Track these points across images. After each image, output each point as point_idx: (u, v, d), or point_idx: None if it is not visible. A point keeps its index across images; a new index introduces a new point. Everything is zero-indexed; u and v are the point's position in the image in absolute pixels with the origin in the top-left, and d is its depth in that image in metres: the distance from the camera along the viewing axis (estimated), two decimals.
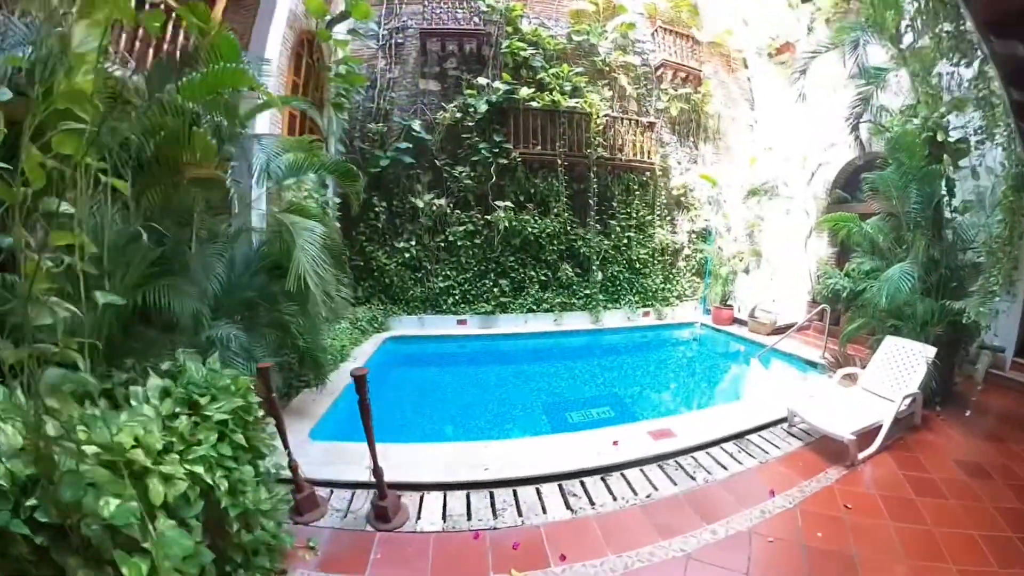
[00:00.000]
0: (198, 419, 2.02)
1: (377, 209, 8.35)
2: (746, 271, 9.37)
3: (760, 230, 9.44)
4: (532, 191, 8.80)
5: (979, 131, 4.87)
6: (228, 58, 3.83)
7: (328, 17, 7.16)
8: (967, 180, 5.13)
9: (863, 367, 4.80)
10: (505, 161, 8.54)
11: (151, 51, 4.84)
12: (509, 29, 9.02)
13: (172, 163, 3.70)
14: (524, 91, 8.52)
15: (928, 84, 5.23)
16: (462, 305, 8.55)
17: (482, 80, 8.64)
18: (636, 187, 9.36)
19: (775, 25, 9.02)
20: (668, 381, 7.67)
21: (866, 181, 5.67)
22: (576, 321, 8.75)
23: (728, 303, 9.06)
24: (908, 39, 5.46)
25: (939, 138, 4.84)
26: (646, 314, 9.29)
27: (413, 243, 8.41)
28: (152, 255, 3.33)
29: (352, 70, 7.69)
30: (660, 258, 9.56)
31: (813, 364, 6.62)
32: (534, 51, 8.97)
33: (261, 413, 2.47)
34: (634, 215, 9.31)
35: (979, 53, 4.51)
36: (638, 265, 9.28)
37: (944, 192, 4.97)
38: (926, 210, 4.98)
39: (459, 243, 8.49)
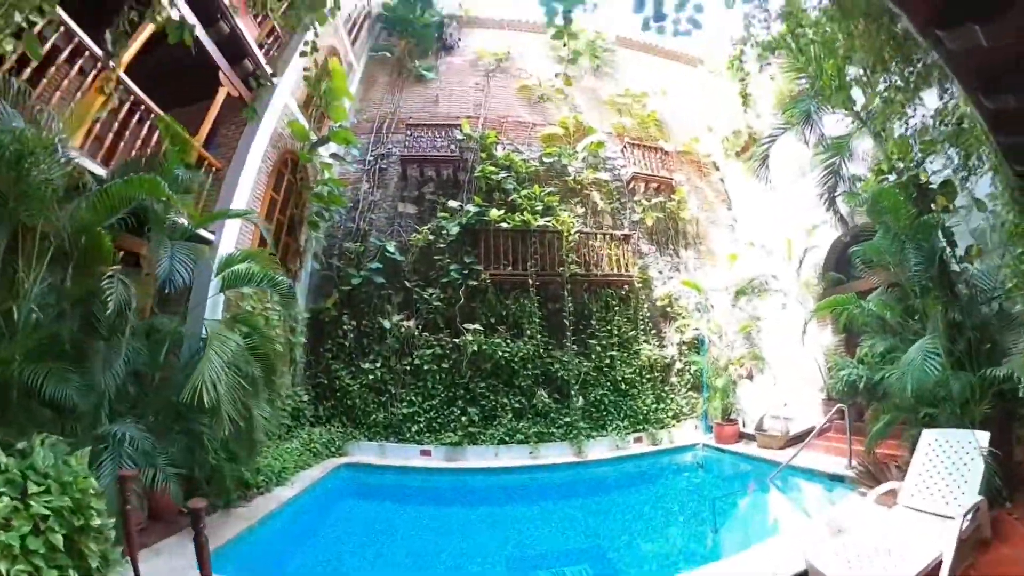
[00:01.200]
0: (20, 505, 2.04)
1: (346, 327, 8.63)
2: (749, 377, 9.14)
3: (757, 330, 9.39)
4: (504, 313, 9.03)
5: (959, 166, 4.71)
6: (171, 168, 4.78)
7: (310, 140, 8.15)
8: (966, 222, 4.85)
9: (902, 474, 4.14)
10: (475, 283, 8.95)
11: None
12: (483, 155, 10.06)
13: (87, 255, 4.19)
14: (494, 212, 9.21)
15: (892, 138, 5.31)
16: (427, 434, 8.27)
17: (454, 203, 9.43)
18: (615, 302, 9.57)
19: (737, 125, 9.80)
20: (664, 524, 6.96)
21: (855, 255, 5.65)
22: (555, 453, 8.28)
23: (731, 417, 8.65)
24: (861, 97, 5.68)
25: (922, 179, 4.89)
26: (638, 440, 8.85)
27: (379, 365, 8.48)
28: (35, 336, 3.66)
29: (333, 191, 8.49)
30: (648, 376, 9.38)
31: (840, 478, 5.94)
32: (507, 174, 9.88)
33: (110, 522, 2.42)
34: (615, 332, 9.38)
35: (935, 85, 4.72)
36: (624, 386, 9.09)
37: (943, 243, 4.76)
38: (929, 269, 4.71)
39: (426, 367, 8.53)
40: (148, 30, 5.20)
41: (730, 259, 9.95)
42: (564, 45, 12.06)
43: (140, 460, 3.93)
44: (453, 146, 10.02)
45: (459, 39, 12.58)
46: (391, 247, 9.16)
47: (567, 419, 8.60)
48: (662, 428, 9.08)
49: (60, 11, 4.19)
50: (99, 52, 4.66)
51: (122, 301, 4.22)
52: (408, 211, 9.92)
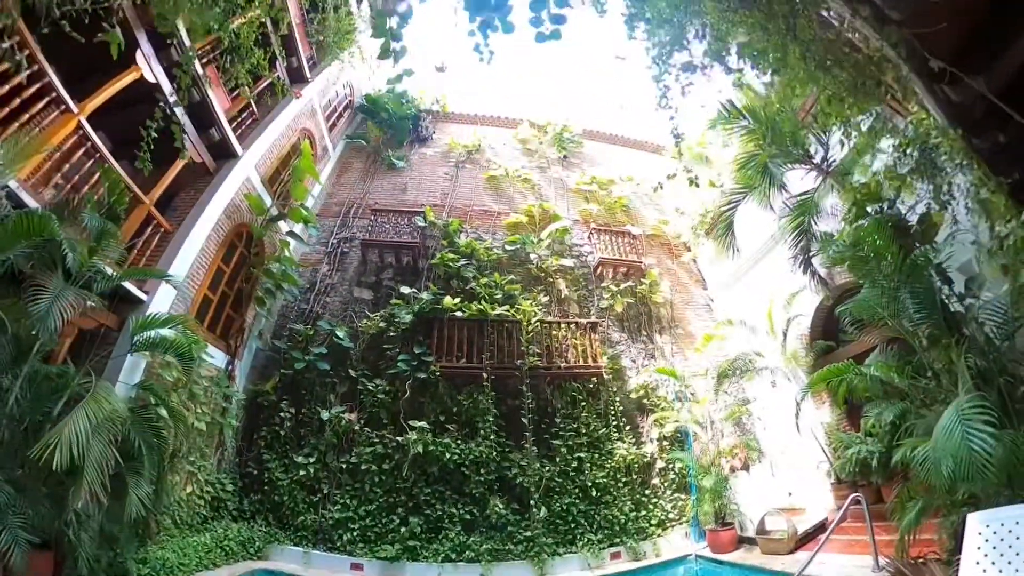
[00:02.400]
0: None
1: (284, 415, 8.27)
2: (744, 468, 8.50)
3: (748, 415, 8.99)
4: (455, 410, 8.74)
5: (932, 198, 4.65)
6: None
7: (267, 215, 8.56)
8: (950, 258, 4.68)
9: (950, 571, 3.63)
10: (425, 375, 8.78)
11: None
12: (445, 242, 10.60)
13: None
14: (449, 300, 9.35)
15: (854, 184, 5.52)
16: (360, 544, 7.46)
17: (406, 289, 9.61)
18: (583, 397, 9.33)
19: (704, 206, 10.51)
20: None
21: (843, 316, 5.45)
22: (514, 574, 7.44)
23: (726, 521, 7.77)
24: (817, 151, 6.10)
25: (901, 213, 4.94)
26: (615, 556, 7.90)
27: (314, 460, 7.94)
28: None
29: (287, 270, 8.73)
30: (625, 479, 8.73)
31: None
32: (467, 262, 10.30)
33: None
34: (584, 431, 8.97)
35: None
36: (596, 492, 8.40)
37: (938, 281, 4.54)
38: (932, 314, 4.35)
39: (364, 467, 8.05)
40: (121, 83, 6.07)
41: (705, 340, 9.92)
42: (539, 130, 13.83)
43: None
44: (415, 232, 10.59)
45: (433, 132, 13.94)
46: (341, 333, 9.12)
47: (527, 533, 7.82)
48: (645, 539, 8.25)
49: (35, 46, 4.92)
50: (64, 94, 5.31)
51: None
52: (364, 296, 10.11)
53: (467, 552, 7.55)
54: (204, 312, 7.71)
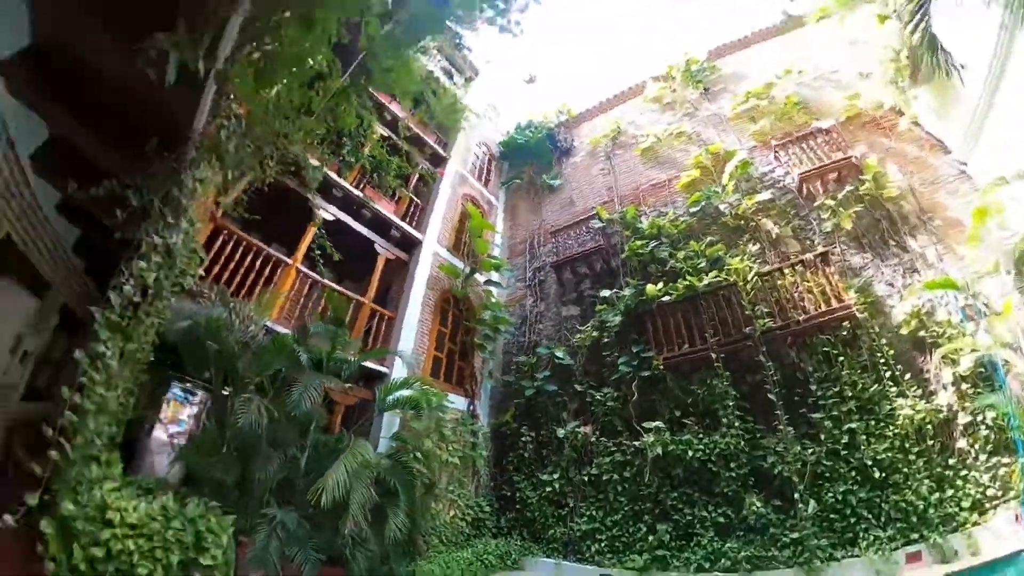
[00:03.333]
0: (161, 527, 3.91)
1: (525, 439, 9.44)
2: None
3: None
4: (689, 402, 8.18)
5: None
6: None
7: (462, 276, 10.45)
8: None
9: None
10: (648, 373, 8.59)
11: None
12: (628, 233, 10.30)
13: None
14: (651, 288, 8.91)
15: None
16: (608, 555, 7.71)
17: (606, 292, 9.72)
18: (837, 351, 7.30)
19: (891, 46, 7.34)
20: None
21: None
22: None
23: None
24: None
25: None
26: (913, 558, 5.76)
27: (557, 476, 8.77)
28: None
29: (496, 314, 10.36)
30: (917, 448, 6.33)
31: None
32: (657, 243, 9.70)
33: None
34: (849, 393, 6.95)
35: None
36: (879, 472, 6.34)
37: None
38: None
39: (605, 477, 8.32)
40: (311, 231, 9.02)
41: (978, 219, 6.38)
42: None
43: (290, 539, 5.70)
44: (596, 236, 10.76)
45: (572, 139, 14.23)
46: (560, 353, 9.86)
47: (794, 534, 6.56)
48: (954, 530, 5.76)
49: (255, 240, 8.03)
50: (283, 257, 8.35)
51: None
52: (571, 313, 10.69)
53: (722, 560, 6.84)
54: (437, 369, 9.85)
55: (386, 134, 10.20)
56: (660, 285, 9.04)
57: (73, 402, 3.46)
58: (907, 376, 6.87)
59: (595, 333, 9.77)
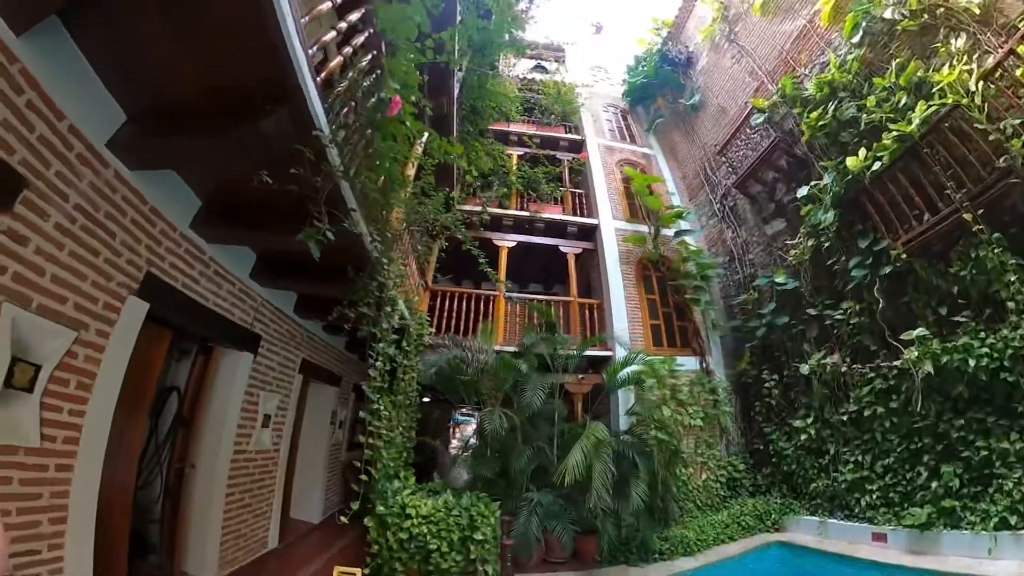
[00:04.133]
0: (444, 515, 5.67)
1: (768, 384, 8.34)
2: None
3: None
4: (956, 292, 5.71)
5: None
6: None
7: (649, 240, 9.95)
8: None
9: None
10: (889, 267, 6.41)
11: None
12: (798, 110, 7.84)
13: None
14: (853, 160, 6.50)
15: None
16: (881, 509, 6.10)
17: (803, 190, 7.69)
18: None
19: None
20: None
21: None
22: None
23: None
24: None
25: None
26: None
27: (811, 420, 7.39)
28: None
29: (698, 261, 9.53)
30: None
31: None
32: (835, 103, 7.10)
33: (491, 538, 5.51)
34: None
35: None
36: None
37: None
38: None
39: (867, 412, 6.56)
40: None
41: None
42: None
43: (548, 515, 6.76)
44: (764, 130, 8.54)
45: (687, 47, 11.68)
46: (780, 277, 8.22)
47: None
48: None
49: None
50: (491, 290, 9.77)
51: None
52: (778, 229, 8.71)
53: None
54: (658, 336, 9.58)
55: (521, 152, 10.73)
56: (863, 153, 6.63)
57: (368, 443, 5.01)
58: None
59: (811, 242, 7.77)
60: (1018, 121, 5.00)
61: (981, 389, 5.35)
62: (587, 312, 9.72)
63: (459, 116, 8.36)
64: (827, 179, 7.24)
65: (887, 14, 6.53)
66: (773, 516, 7.46)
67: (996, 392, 5.21)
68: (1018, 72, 4.97)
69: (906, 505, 5.90)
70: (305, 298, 6.00)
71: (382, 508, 5.31)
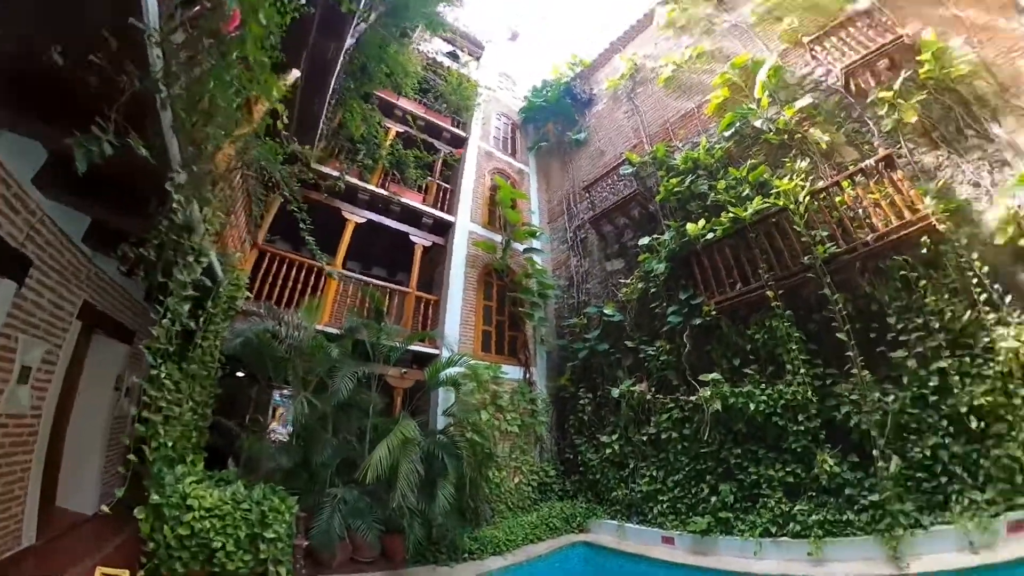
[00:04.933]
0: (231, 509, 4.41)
1: (582, 401, 8.84)
2: None
3: None
4: (748, 348, 6.92)
5: None
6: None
7: (499, 249, 9.82)
8: None
9: None
10: (700, 320, 7.45)
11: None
12: (661, 172, 8.90)
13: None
14: (692, 226, 7.61)
15: None
16: (670, 516, 6.96)
17: (644, 240, 8.59)
18: (918, 271, 5.55)
19: None
20: None
21: None
22: (854, 555, 5.14)
23: None
24: None
25: None
26: (1017, 527, 4.27)
27: (616, 436, 8.09)
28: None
29: (540, 280, 9.68)
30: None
31: None
32: (694, 176, 8.25)
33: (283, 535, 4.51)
34: (935, 325, 5.27)
35: None
36: (976, 421, 4.74)
37: None
38: None
39: (664, 435, 7.43)
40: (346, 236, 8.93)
41: None
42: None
43: (352, 513, 5.91)
44: (628, 182, 9.46)
45: (591, 89, 12.66)
46: (608, 310, 8.97)
47: (872, 496, 5.27)
48: None
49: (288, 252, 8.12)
50: (323, 265, 8.38)
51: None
52: (616, 267, 9.66)
53: (791, 524, 5.80)
54: (488, 342, 9.46)
55: (400, 130, 9.78)
56: (702, 223, 7.67)
57: (142, 416, 4.00)
58: (1008, 298, 5.05)
59: (641, 284, 8.68)
60: (825, 234, 6.42)
61: (757, 428, 6.51)
62: (423, 306, 9.06)
63: (344, 69, 7.01)
64: (667, 236, 8.22)
65: (758, 123, 7.83)
66: (579, 519, 7.88)
67: (768, 431, 6.42)
68: (836, 199, 6.40)
69: (691, 514, 6.78)
70: (100, 226, 4.30)
71: (157, 497, 4.14)
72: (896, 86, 6.26)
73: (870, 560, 5.06)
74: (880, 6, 7.03)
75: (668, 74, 10.30)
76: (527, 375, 9.41)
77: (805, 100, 7.27)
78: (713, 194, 7.96)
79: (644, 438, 7.81)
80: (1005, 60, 5.71)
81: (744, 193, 7.52)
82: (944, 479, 4.96)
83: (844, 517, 5.46)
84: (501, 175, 11.79)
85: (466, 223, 10.17)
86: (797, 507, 5.86)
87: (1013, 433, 4.61)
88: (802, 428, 6.10)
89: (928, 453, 5.10)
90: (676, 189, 8.46)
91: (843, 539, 5.35)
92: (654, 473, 7.51)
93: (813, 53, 7.62)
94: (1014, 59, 5.65)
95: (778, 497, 6.09)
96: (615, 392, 8.26)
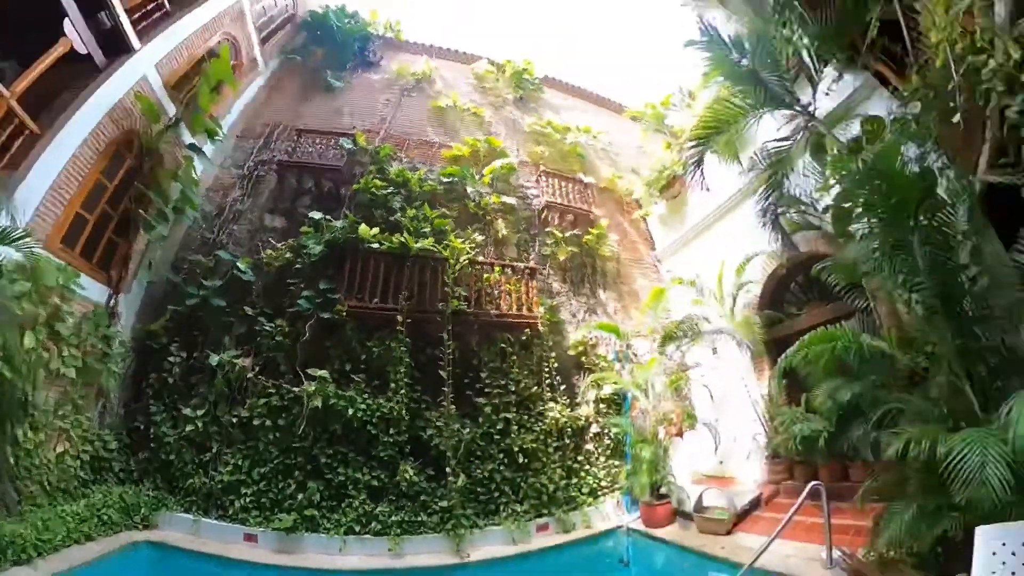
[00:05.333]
0: None
1: (173, 359, 7.79)
2: (679, 435, 8.67)
3: (686, 382, 9.04)
4: (364, 357, 8.25)
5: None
6: None
7: (163, 123, 7.96)
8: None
9: None
10: (329, 315, 8.24)
11: None
12: (374, 168, 10.09)
13: None
14: (365, 229, 8.68)
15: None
16: (254, 512, 7.13)
17: (318, 215, 9.08)
18: (514, 350, 9.08)
19: (662, 161, 10.95)
20: None
21: (822, 273, 5.38)
22: (427, 550, 7.19)
23: (662, 494, 7.76)
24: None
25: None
26: (543, 528, 7.91)
27: (203, 412, 7.49)
28: None
29: (186, 190, 8.23)
30: (556, 443, 8.70)
31: None
32: (395, 191, 9.84)
33: None
34: (513, 388, 8.77)
35: None
36: (523, 458, 8.29)
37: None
38: (941, 280, 4.10)
39: (257, 422, 7.54)
40: None
41: (654, 296, 9.85)
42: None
43: None
44: (341, 156, 10.10)
45: (381, 57, 13.56)
46: (243, 265, 8.57)
47: (443, 503, 7.60)
48: (574, 509, 8.27)
49: None
50: None
51: None
52: (275, 225, 9.60)
53: (373, 523, 7.29)
54: (76, 235, 7.08)
55: None
56: (376, 231, 8.99)
57: None
58: (562, 387, 9.40)
59: (290, 255, 8.87)
60: (464, 293, 9.19)
61: (352, 432, 7.79)
62: (13, 126, 6.07)
63: None
64: (340, 223, 9.09)
65: (469, 189, 10.83)
66: (143, 511, 6.69)
67: (361, 437, 7.84)
68: (485, 275, 9.64)
69: (276, 510, 7.16)
70: None
71: None
72: (566, 234, 10.93)
73: (439, 553, 7.28)
74: (595, 188, 12.07)
75: (444, 104, 12.15)
76: (112, 302, 7.43)
77: (510, 200, 10.92)
78: (401, 215, 9.65)
79: (235, 420, 7.65)
80: (628, 264, 11.49)
81: (424, 230, 9.57)
82: (497, 494, 8.11)
83: (419, 519, 7.52)
84: (233, 47, 9.58)
85: (149, 65, 7.61)
86: (379, 508, 7.45)
87: (544, 469, 8.43)
88: (392, 439, 7.87)
89: (487, 474, 8.15)
90: (374, 190, 9.73)
91: (418, 536, 7.39)
92: (239, 462, 7.44)
93: (539, 179, 11.70)
94: (633, 266, 11.32)
95: (363, 499, 7.51)
96: (215, 359, 7.79)
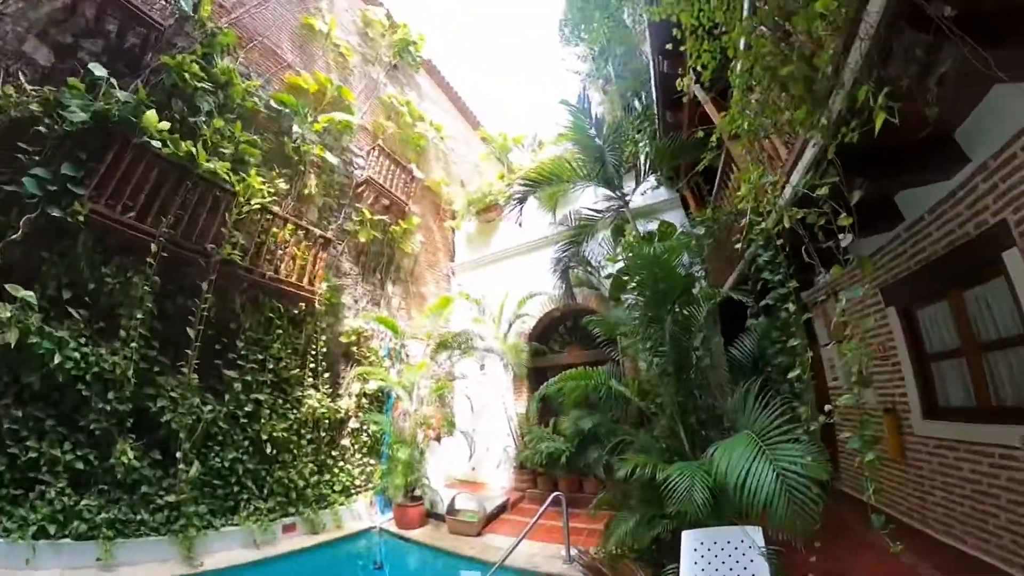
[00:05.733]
0: None
1: None
2: (436, 439, 9.36)
3: (450, 392, 10.10)
4: (92, 288, 6.16)
5: None
6: None
7: None
8: None
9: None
10: (60, 214, 5.81)
11: None
12: (199, 49, 7.48)
13: None
14: (151, 117, 6.41)
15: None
16: None
17: (100, 70, 6.21)
18: (283, 323, 8.14)
19: (492, 185, 12.08)
20: None
21: (588, 325, 7.33)
22: (148, 557, 5.78)
23: (416, 496, 8.21)
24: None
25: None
26: (289, 529, 7.27)
27: None
28: None
29: None
30: (311, 435, 8.14)
31: None
32: (212, 88, 7.51)
33: None
34: (271, 366, 7.82)
35: None
36: (272, 448, 7.43)
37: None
38: (676, 351, 5.50)
39: None
40: None
41: (441, 304, 10.43)
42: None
43: None
44: (170, 13, 7.18)
45: None
46: None
47: (170, 497, 6.21)
48: (325, 507, 7.95)
49: None
50: None
51: None
52: (38, 58, 5.93)
53: (76, 523, 5.46)
54: None
55: None
56: (167, 125, 6.69)
57: None
58: (326, 375, 8.72)
59: (37, 108, 5.71)
60: (241, 243, 7.81)
61: (55, 389, 5.73)
62: None
63: None
64: (121, 94, 6.30)
65: (295, 128, 9.09)
66: None
67: (67, 398, 5.82)
68: (273, 229, 8.32)
69: None
70: None
71: None
72: (373, 217, 10.10)
73: (165, 561, 5.92)
74: (420, 184, 11.72)
75: (319, 30, 10.37)
76: None
77: (332, 158, 9.39)
78: (204, 120, 7.33)
79: None
80: (426, 267, 11.30)
81: (223, 148, 7.57)
82: (237, 488, 7.05)
83: (138, 516, 5.98)
84: None
85: None
86: (85, 502, 5.64)
87: (294, 463, 7.76)
88: (109, 407, 6.01)
89: (228, 464, 7.01)
90: (187, 76, 7.13)
91: (136, 540, 5.86)
92: None
93: (370, 152, 10.74)
94: (429, 270, 11.31)
95: (62, 487, 5.55)
96: None
